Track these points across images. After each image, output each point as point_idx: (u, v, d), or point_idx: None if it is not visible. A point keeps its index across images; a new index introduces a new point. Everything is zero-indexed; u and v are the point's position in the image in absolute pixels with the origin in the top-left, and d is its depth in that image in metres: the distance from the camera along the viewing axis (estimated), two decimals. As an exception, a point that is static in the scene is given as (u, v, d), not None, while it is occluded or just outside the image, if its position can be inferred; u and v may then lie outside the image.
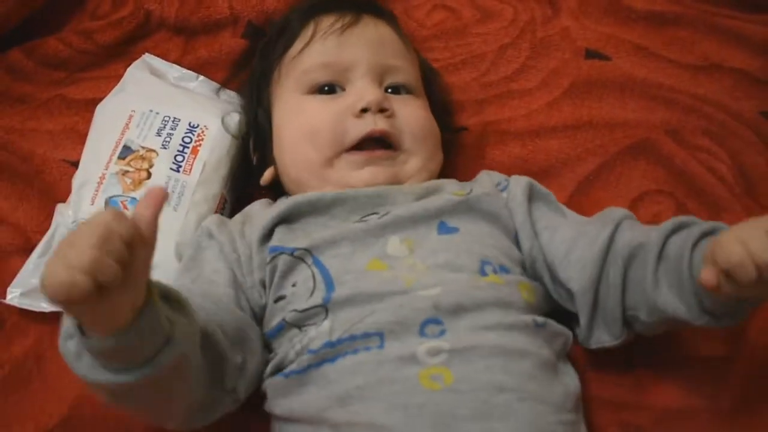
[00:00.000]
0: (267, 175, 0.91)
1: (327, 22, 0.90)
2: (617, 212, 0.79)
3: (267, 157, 0.92)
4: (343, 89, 0.88)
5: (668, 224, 0.74)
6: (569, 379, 0.74)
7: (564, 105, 1.03)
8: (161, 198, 0.57)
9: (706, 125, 1.01)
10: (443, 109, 1.01)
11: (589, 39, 1.10)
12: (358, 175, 0.84)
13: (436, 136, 0.91)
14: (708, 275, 0.64)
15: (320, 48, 0.89)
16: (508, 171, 0.97)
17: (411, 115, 0.87)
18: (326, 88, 0.88)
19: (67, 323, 0.60)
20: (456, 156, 1.00)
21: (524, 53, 1.09)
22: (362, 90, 0.86)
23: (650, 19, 1.11)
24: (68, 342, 0.60)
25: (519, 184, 0.84)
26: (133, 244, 0.55)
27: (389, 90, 0.89)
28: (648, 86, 1.05)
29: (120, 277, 0.54)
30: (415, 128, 0.87)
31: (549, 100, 1.04)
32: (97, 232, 0.53)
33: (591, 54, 1.08)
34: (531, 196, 0.83)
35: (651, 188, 0.96)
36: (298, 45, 0.90)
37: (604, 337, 0.77)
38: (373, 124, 0.84)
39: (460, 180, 0.90)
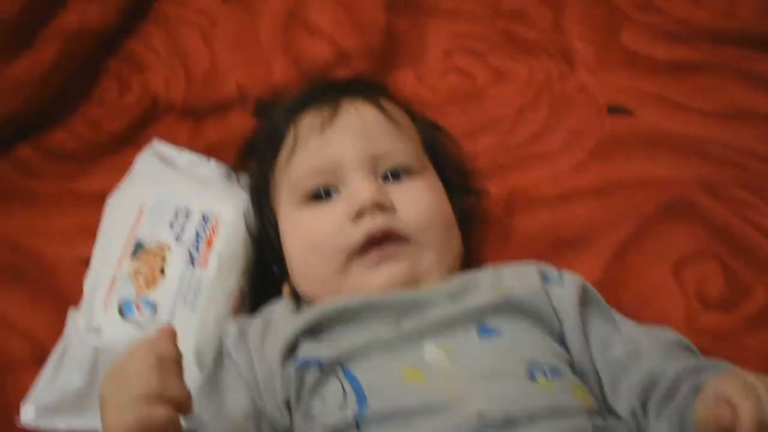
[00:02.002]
0: (285, 291, 0.86)
1: (306, 122, 0.86)
2: (668, 336, 0.75)
3: (284, 270, 0.87)
4: (338, 190, 0.83)
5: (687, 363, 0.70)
6: None
7: (591, 166, 0.99)
8: (173, 333, 0.62)
9: (742, 176, 0.96)
10: (458, 171, 0.96)
11: (609, 93, 1.05)
12: (375, 276, 0.79)
13: (448, 220, 0.85)
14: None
15: (304, 155, 0.84)
16: (540, 242, 0.93)
17: (413, 203, 0.81)
18: (321, 193, 0.83)
19: None
20: (482, 226, 0.96)
21: (543, 113, 1.05)
22: (354, 191, 0.81)
23: (671, 69, 1.07)
24: None
25: (574, 284, 0.78)
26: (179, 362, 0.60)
27: (388, 175, 0.84)
28: (676, 139, 1.00)
29: (186, 395, 0.59)
30: (420, 218, 0.81)
31: (574, 162, 0.99)
32: (149, 358, 0.58)
33: (613, 109, 1.04)
34: (584, 300, 0.78)
35: (691, 250, 0.90)
36: (284, 153, 0.86)
37: None
38: (372, 223, 0.79)
39: (491, 257, 0.84)
